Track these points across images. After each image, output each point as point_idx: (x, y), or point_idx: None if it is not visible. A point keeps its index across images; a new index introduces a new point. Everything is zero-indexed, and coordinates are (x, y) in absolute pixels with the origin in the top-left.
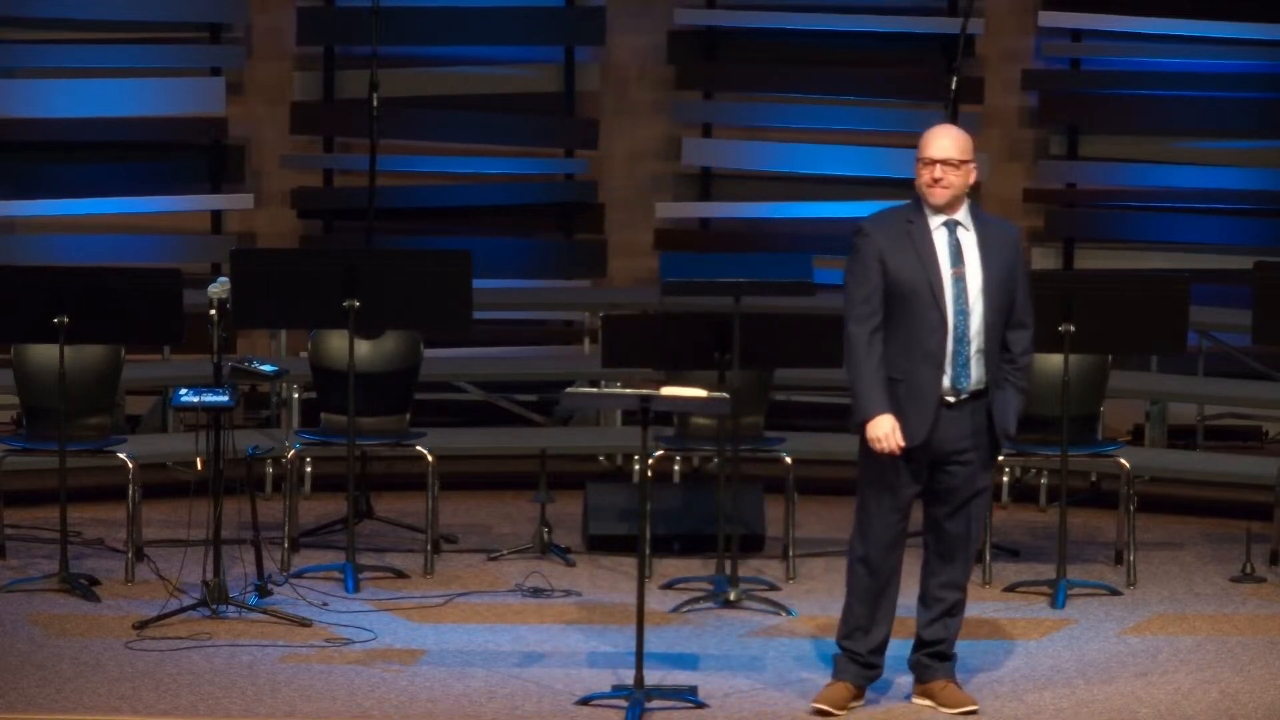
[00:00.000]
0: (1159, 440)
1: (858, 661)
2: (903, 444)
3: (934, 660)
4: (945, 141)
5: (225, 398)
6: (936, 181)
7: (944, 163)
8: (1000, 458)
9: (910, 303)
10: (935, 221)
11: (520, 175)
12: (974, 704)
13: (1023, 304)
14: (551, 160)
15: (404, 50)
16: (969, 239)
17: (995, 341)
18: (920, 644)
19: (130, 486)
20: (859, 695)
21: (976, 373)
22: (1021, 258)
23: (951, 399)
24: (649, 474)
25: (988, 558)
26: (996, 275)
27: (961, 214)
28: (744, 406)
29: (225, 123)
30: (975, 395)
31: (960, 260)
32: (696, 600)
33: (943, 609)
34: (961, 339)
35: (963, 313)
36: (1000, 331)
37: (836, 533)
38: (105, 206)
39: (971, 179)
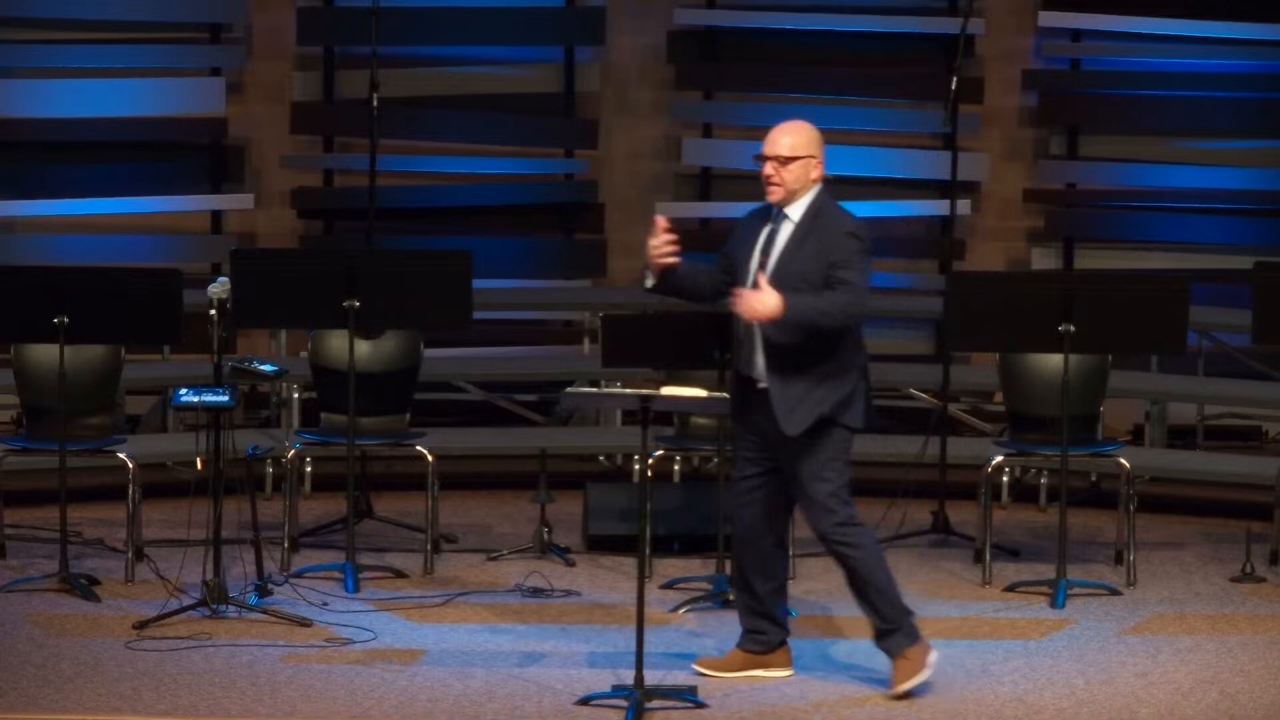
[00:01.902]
0: (1159, 440)
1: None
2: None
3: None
4: (779, 139)
5: (225, 398)
6: (769, 179)
7: (774, 160)
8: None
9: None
10: (772, 213)
11: (520, 175)
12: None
13: (833, 281)
14: (551, 160)
15: (404, 50)
16: (786, 229)
17: (802, 335)
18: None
19: (130, 486)
20: (760, 663)
21: (760, 362)
22: (847, 249)
23: (759, 386)
24: (649, 474)
25: (988, 557)
26: (797, 265)
27: (794, 207)
28: None
29: (225, 123)
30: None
31: (769, 250)
32: (696, 600)
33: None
34: (750, 327)
35: None
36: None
37: None
38: (105, 206)
39: (813, 174)
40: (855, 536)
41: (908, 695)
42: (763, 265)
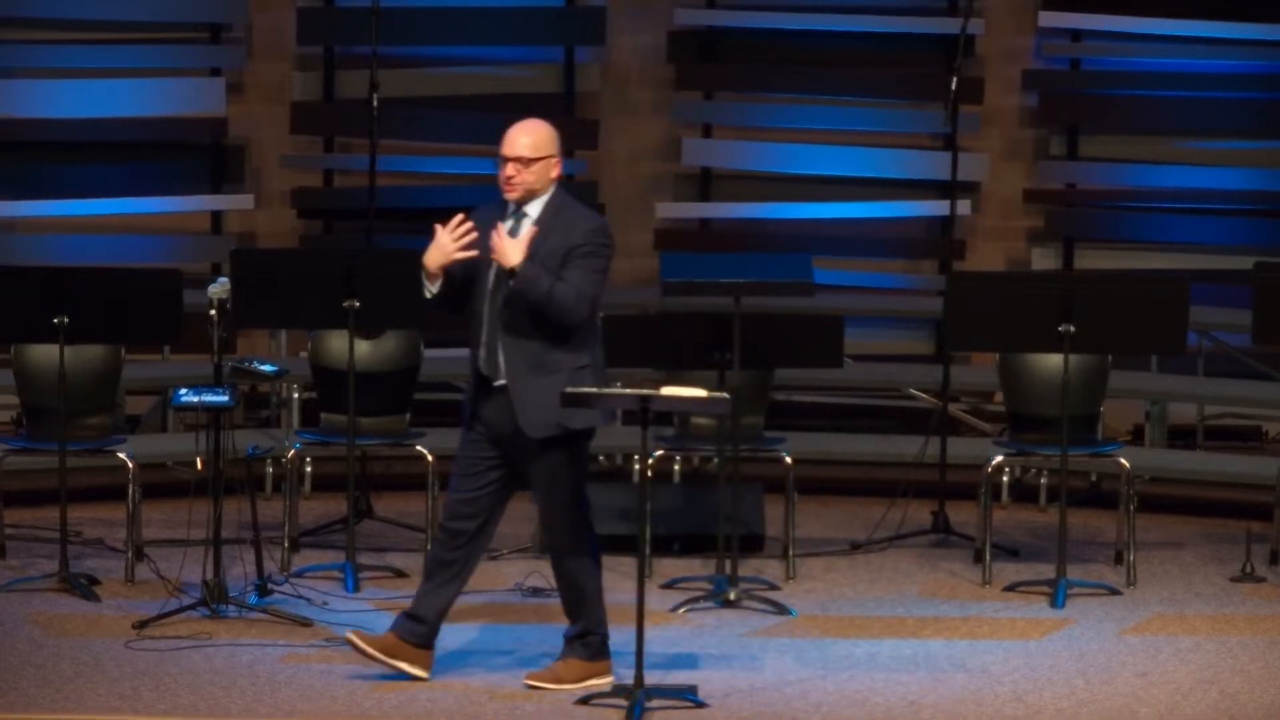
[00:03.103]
0: (1159, 440)
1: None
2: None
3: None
4: (519, 140)
5: (225, 398)
6: (509, 179)
7: (515, 160)
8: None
9: (474, 292)
10: (509, 211)
11: None
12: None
13: (569, 274)
14: None
15: (404, 50)
16: (525, 228)
17: (542, 335)
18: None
19: (130, 486)
20: (409, 657)
21: (500, 361)
22: (586, 246)
23: (496, 384)
24: (649, 474)
25: (988, 558)
26: (538, 264)
27: (533, 205)
28: (744, 406)
29: (225, 123)
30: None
31: None
32: (696, 600)
33: (560, 589)
34: (491, 325)
35: (493, 299)
36: (554, 324)
37: (836, 533)
38: (105, 206)
39: (553, 173)
40: (587, 545)
41: (558, 693)
42: (498, 263)
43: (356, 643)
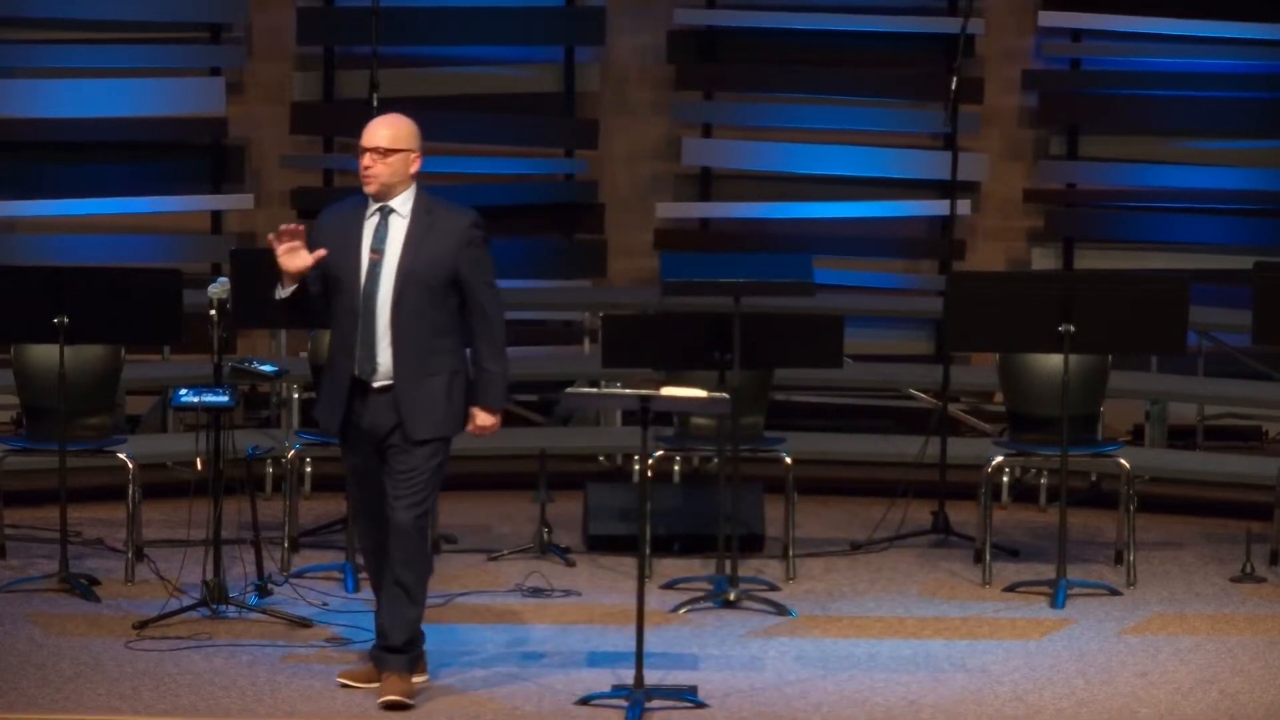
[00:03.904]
0: (1159, 440)
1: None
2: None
3: (383, 652)
4: (378, 131)
5: (225, 398)
6: (366, 170)
7: (373, 151)
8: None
9: (337, 291)
10: (371, 208)
11: (520, 175)
12: (399, 696)
13: (477, 288)
14: (551, 160)
15: (404, 50)
16: (399, 226)
17: (427, 333)
18: (376, 632)
19: (130, 486)
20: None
21: (385, 362)
22: (474, 244)
23: (376, 385)
24: (649, 474)
25: (988, 558)
26: (422, 262)
27: (398, 201)
28: (744, 406)
29: (225, 123)
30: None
31: (381, 247)
32: (696, 600)
33: (389, 599)
34: (369, 326)
35: (371, 299)
36: (440, 319)
37: (836, 533)
38: (105, 206)
39: (412, 168)
40: (428, 558)
41: (393, 707)
42: (375, 261)
43: (346, 683)
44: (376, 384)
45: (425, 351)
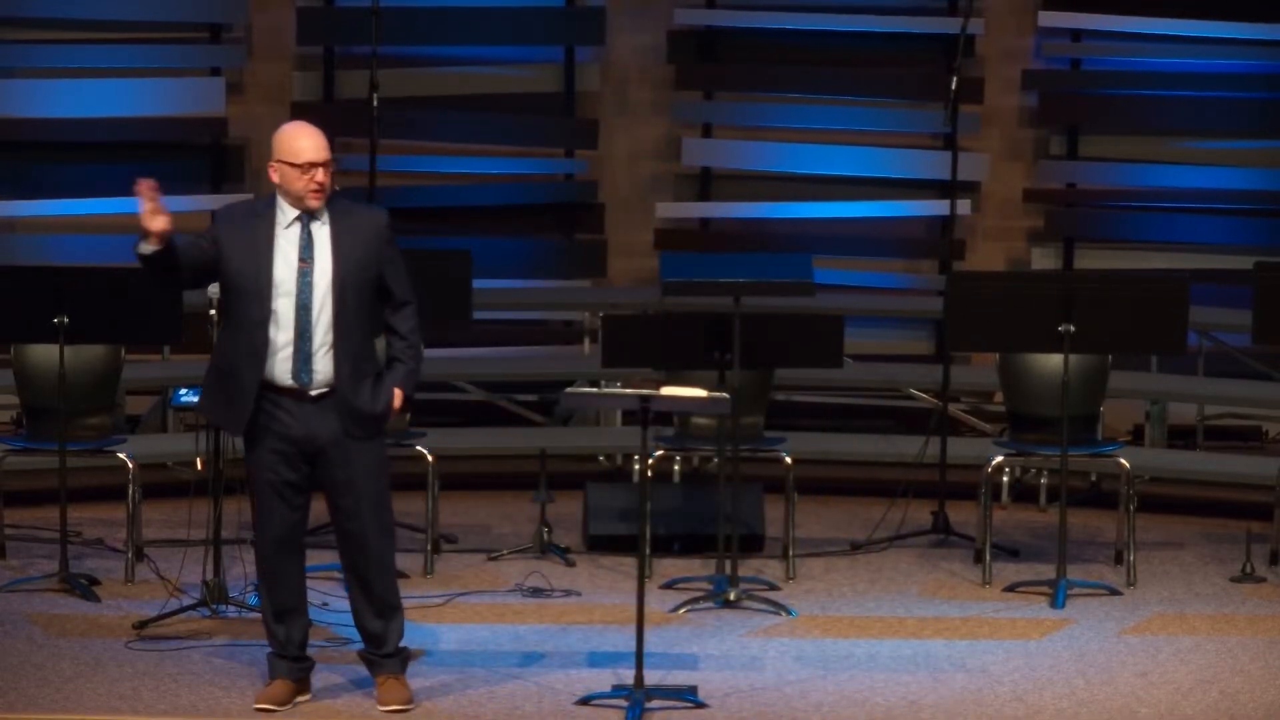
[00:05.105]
0: (1159, 440)
1: (286, 657)
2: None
3: (378, 657)
4: (317, 143)
5: None
6: (320, 186)
7: (323, 165)
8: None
9: (239, 298)
10: (287, 217)
11: (520, 175)
12: (401, 705)
13: (400, 285)
14: (551, 160)
15: (404, 50)
16: (322, 233)
17: (361, 336)
18: (365, 638)
19: (130, 486)
20: (301, 690)
21: (324, 368)
22: (391, 242)
23: (314, 393)
24: (649, 474)
25: (988, 558)
26: (353, 266)
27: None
28: (744, 406)
29: (225, 123)
30: (335, 390)
31: (309, 255)
32: (696, 600)
33: (376, 607)
34: (305, 334)
35: (306, 308)
36: (368, 324)
37: (836, 533)
38: (105, 206)
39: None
40: (393, 558)
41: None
42: (305, 270)
43: (264, 708)
44: (314, 391)
45: (362, 354)
